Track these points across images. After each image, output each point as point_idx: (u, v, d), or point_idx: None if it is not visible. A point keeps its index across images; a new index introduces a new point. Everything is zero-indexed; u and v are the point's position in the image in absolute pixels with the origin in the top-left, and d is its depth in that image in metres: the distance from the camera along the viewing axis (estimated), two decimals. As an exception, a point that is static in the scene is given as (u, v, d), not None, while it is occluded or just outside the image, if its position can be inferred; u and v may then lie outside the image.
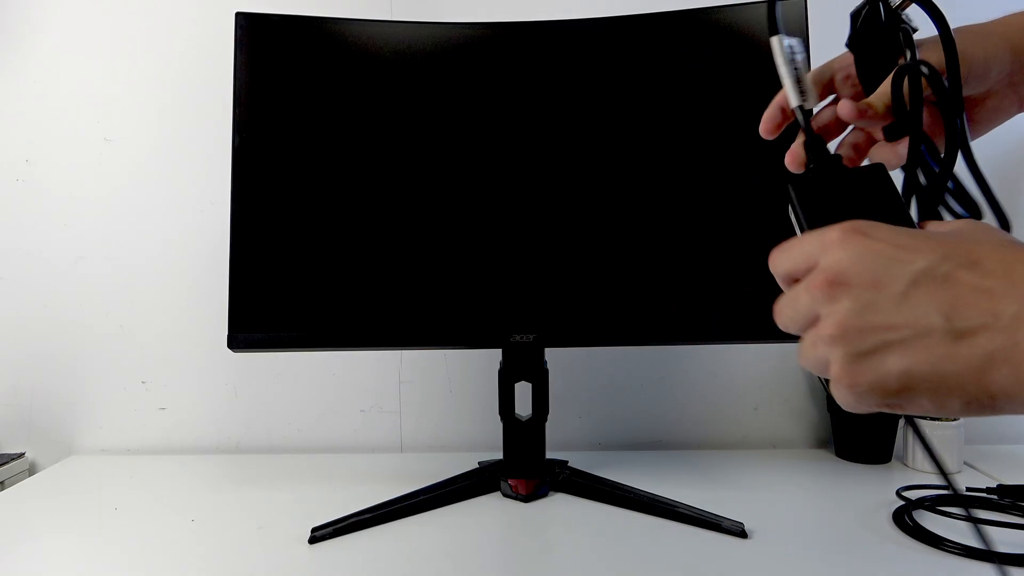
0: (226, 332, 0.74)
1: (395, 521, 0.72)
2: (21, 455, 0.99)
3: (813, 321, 0.32)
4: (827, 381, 0.34)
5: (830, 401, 0.95)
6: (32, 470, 1.00)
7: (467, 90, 0.78)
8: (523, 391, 0.79)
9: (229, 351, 0.75)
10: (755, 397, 1.01)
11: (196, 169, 1.00)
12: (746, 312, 0.73)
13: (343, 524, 0.69)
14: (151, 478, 0.88)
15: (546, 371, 0.79)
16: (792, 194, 0.37)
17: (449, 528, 0.70)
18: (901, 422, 0.90)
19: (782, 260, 0.34)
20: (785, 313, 0.34)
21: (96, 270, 1.01)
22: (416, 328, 0.76)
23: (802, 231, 0.36)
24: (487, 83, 0.78)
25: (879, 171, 0.37)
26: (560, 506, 0.76)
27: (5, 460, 0.96)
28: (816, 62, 0.72)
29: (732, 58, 0.75)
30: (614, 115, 0.77)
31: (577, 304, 0.76)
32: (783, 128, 0.47)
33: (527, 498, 0.77)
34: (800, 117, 0.41)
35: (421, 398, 1.02)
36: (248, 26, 0.76)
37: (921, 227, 0.35)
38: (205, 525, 0.72)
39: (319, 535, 0.67)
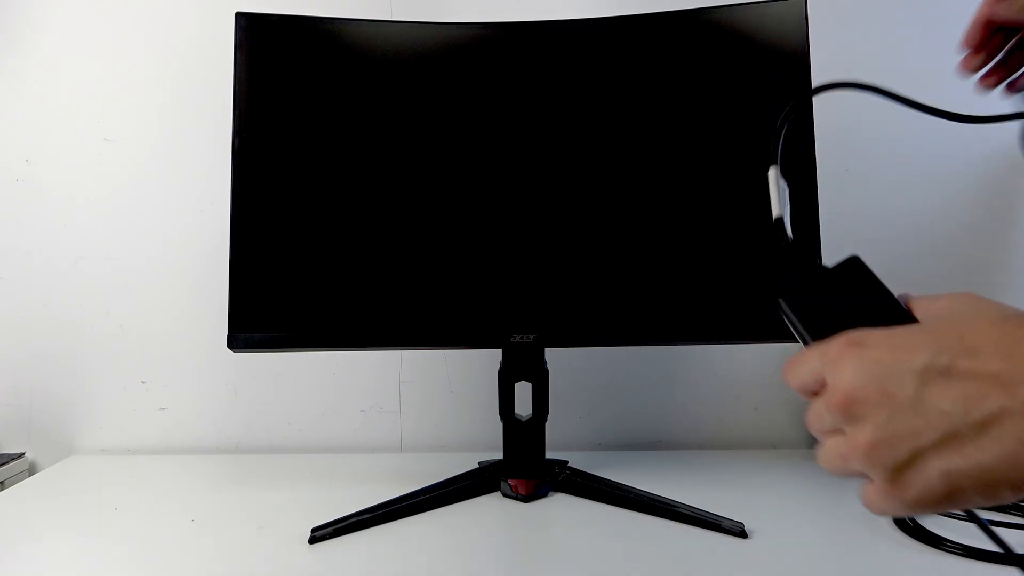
0: (226, 332, 0.74)
1: (395, 521, 0.72)
2: (21, 455, 0.99)
3: (839, 434, 0.33)
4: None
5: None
6: (32, 470, 1.00)
7: (467, 90, 0.78)
8: (523, 391, 0.79)
9: (229, 351, 0.75)
10: (755, 397, 1.01)
11: (196, 169, 1.00)
12: (746, 312, 0.73)
13: (343, 524, 0.69)
14: (151, 478, 0.88)
15: (546, 371, 0.79)
16: (785, 307, 0.39)
17: (449, 528, 0.70)
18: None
19: (792, 377, 0.36)
20: (814, 427, 0.35)
21: (96, 270, 1.01)
22: (416, 328, 0.76)
23: (804, 341, 0.38)
24: (487, 83, 0.78)
25: (856, 263, 0.38)
26: (560, 506, 0.76)
27: (5, 460, 0.96)
28: (816, 62, 0.72)
29: (732, 58, 0.75)
30: (614, 115, 0.77)
31: (577, 304, 0.76)
32: (985, 42, 0.53)
33: (527, 498, 0.77)
34: (782, 229, 0.44)
35: (421, 398, 1.02)
36: (248, 26, 0.76)
37: (908, 306, 0.36)
38: (205, 525, 0.72)
39: (319, 535, 0.67)
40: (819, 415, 0.34)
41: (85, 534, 0.70)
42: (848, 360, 0.32)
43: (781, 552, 0.63)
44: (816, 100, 0.73)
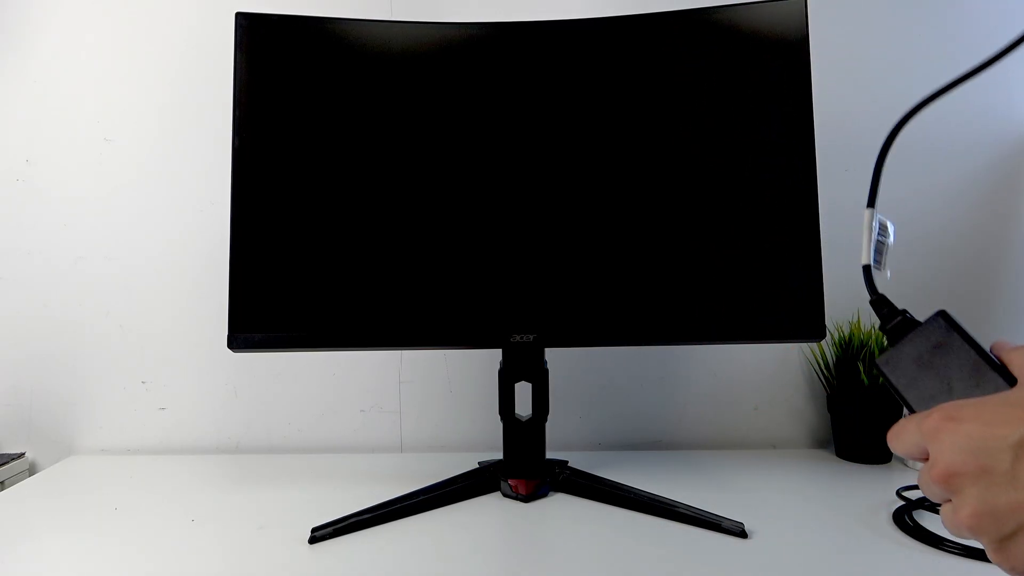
0: (226, 332, 0.74)
1: (395, 521, 0.72)
2: (21, 455, 0.99)
3: (949, 502, 0.35)
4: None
5: (830, 401, 0.95)
6: (32, 470, 1.00)
7: (467, 90, 0.78)
8: (523, 391, 0.79)
9: (229, 351, 0.75)
10: (755, 397, 1.01)
11: (196, 169, 1.00)
12: (746, 312, 0.73)
13: (343, 524, 0.69)
14: (151, 478, 0.88)
15: (546, 371, 0.79)
16: (885, 374, 0.42)
17: (449, 528, 0.70)
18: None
19: (896, 446, 0.39)
20: (926, 494, 0.37)
21: (96, 270, 1.01)
22: (416, 328, 0.76)
23: (906, 406, 0.41)
24: (487, 83, 0.78)
25: (945, 318, 0.40)
26: (560, 506, 0.76)
27: (5, 460, 0.96)
28: (816, 61, 0.72)
29: (732, 58, 0.75)
30: (614, 115, 0.77)
31: (577, 304, 0.76)
32: None
33: (527, 498, 0.77)
34: (868, 281, 0.45)
35: (421, 398, 1.02)
36: (248, 26, 0.76)
37: (1002, 359, 0.38)
38: (205, 525, 0.72)
39: (319, 535, 0.67)
40: (928, 484, 0.36)
41: (85, 534, 0.70)
42: (945, 435, 0.34)
43: (781, 552, 0.63)
44: (816, 100, 0.74)
